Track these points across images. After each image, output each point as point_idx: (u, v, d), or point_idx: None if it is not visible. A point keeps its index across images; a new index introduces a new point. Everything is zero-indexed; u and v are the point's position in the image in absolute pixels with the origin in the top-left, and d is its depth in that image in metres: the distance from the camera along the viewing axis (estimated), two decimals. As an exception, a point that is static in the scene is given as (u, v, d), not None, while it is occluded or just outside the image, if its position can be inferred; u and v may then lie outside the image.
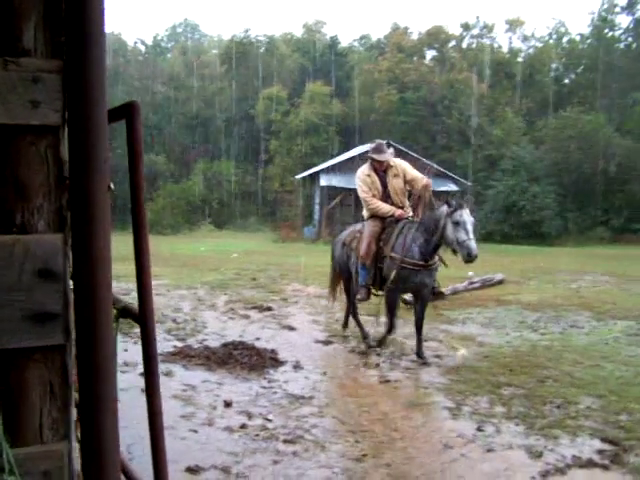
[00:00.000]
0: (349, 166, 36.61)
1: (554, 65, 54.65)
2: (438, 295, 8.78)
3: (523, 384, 7.01)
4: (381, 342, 8.59)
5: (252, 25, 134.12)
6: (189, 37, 78.82)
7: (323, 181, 36.48)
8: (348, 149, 44.40)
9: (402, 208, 8.61)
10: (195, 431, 5.48)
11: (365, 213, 8.87)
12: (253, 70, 54.91)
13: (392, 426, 5.76)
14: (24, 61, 1.34)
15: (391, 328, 8.47)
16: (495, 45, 56.77)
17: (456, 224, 7.70)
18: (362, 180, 8.72)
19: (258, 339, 8.95)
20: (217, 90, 55.25)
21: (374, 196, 8.61)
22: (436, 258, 8.26)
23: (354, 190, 32.33)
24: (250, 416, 5.90)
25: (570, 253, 28.24)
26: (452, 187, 36.04)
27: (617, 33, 53.18)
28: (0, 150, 1.36)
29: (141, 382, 6.38)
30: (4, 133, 1.35)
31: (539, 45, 55.47)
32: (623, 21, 53.57)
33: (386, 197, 8.64)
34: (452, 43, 56.99)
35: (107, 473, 1.37)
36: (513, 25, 56.43)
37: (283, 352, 8.29)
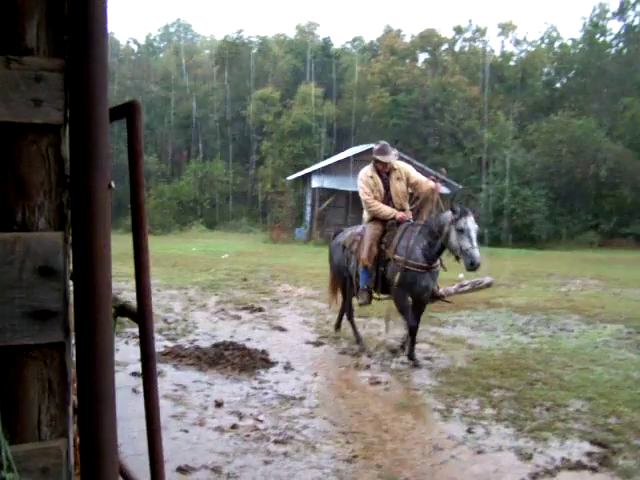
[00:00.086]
0: (341, 168, 36.68)
1: (546, 69, 54.86)
2: (439, 298, 8.72)
3: (513, 387, 7.04)
4: (405, 345, 8.41)
5: (245, 26, 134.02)
6: (182, 37, 78.72)
7: (315, 182, 36.48)
8: (340, 151, 44.41)
9: (403, 211, 8.54)
10: (186, 431, 5.49)
11: (365, 215, 8.78)
12: (246, 71, 54.83)
13: (383, 427, 5.78)
14: (27, 60, 1.35)
15: (411, 328, 8.26)
16: (487, 49, 56.92)
17: (460, 231, 7.66)
18: (364, 181, 8.62)
19: (249, 340, 8.95)
20: (209, 90, 55.18)
21: (376, 198, 8.51)
22: (438, 261, 8.22)
23: (345, 192, 32.17)
24: (241, 416, 5.91)
25: (560, 257, 28.34)
26: (443, 190, 36.06)
27: (608, 38, 53.42)
28: (1, 148, 1.36)
29: (132, 382, 6.41)
30: (6, 131, 1.36)
31: (531, 49, 55.64)
32: (614, 26, 53.83)
33: (388, 199, 8.55)
34: (445, 46, 57.11)
35: (105, 471, 1.38)
36: (505, 29, 56.59)
37: (274, 353, 8.30)
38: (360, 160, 37.30)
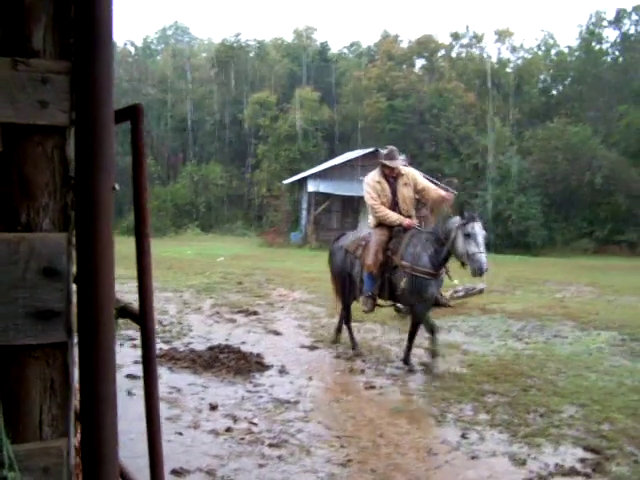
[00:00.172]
0: (337, 172, 36.76)
1: (542, 76, 55.10)
2: (443, 305, 8.70)
3: (507, 392, 7.05)
4: (434, 350, 8.15)
5: (242, 29, 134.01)
6: (179, 40, 78.70)
7: (310, 187, 36.52)
8: (336, 155, 44.51)
9: (409, 217, 8.41)
10: (180, 434, 5.49)
11: (371, 220, 8.65)
12: (243, 74, 54.91)
13: (377, 432, 5.79)
14: (34, 62, 1.36)
15: (433, 329, 8.13)
16: (484, 55, 57.07)
17: (467, 236, 7.60)
18: (371, 186, 8.48)
19: (244, 343, 8.95)
20: (206, 93, 55.23)
21: (382, 203, 8.36)
22: (444, 269, 8.13)
23: (341, 196, 32.21)
24: (235, 419, 5.91)
25: (555, 263, 28.41)
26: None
27: (604, 46, 53.71)
28: (7, 149, 1.38)
29: (127, 384, 6.41)
30: (12, 132, 1.37)
31: (528, 56, 55.81)
32: (610, 35, 54.11)
33: (394, 205, 8.40)
34: (442, 52, 57.28)
35: (106, 471, 1.38)
36: (502, 36, 56.72)
37: (269, 356, 8.30)
38: (356, 165, 37.43)
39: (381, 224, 8.44)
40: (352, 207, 36.77)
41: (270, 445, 5.32)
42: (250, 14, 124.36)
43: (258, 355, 8.25)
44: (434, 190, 8.40)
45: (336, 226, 36.91)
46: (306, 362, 8.31)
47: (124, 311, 1.70)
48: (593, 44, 53.09)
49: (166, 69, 59.99)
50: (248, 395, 6.69)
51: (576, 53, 54.75)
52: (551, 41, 57.22)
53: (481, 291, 15.25)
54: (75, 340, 1.46)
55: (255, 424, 5.82)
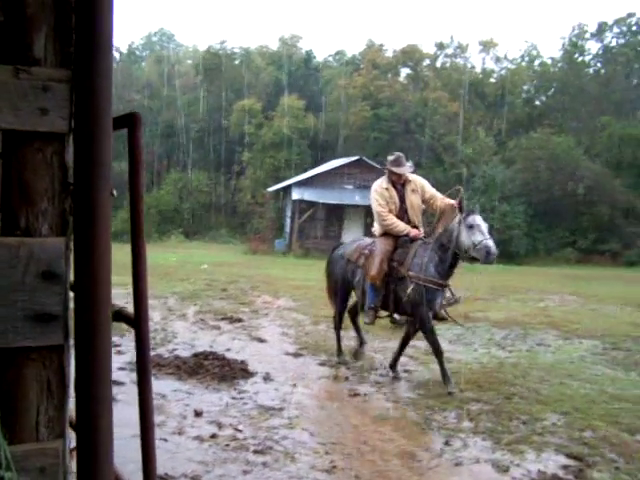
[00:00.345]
0: (321, 180, 36.84)
1: (526, 87, 55.56)
2: (443, 319, 8.32)
3: (490, 400, 7.10)
4: (446, 375, 7.69)
5: (228, 36, 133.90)
6: (164, 46, 78.60)
7: (295, 194, 36.55)
8: (321, 163, 44.61)
9: (416, 227, 8.22)
10: (165, 440, 5.48)
11: (376, 229, 8.42)
12: (228, 81, 54.94)
13: (362, 439, 5.81)
14: (35, 70, 1.39)
15: (440, 352, 7.83)
16: (468, 65, 57.50)
17: (470, 227, 7.47)
18: (379, 193, 8.21)
19: (228, 350, 8.96)
20: (191, 100, 55.19)
21: (390, 211, 8.13)
22: (449, 280, 7.91)
23: (326, 204, 32.16)
24: (220, 426, 5.91)
25: (538, 272, 28.58)
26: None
27: (587, 58, 54.32)
28: (8, 155, 1.40)
29: (114, 390, 6.38)
30: (13, 138, 1.40)
31: (511, 67, 56.28)
32: (592, 47, 54.87)
33: (403, 213, 8.19)
34: (426, 62, 57.63)
35: (101, 473, 1.40)
36: (486, 46, 57.19)
37: (253, 363, 8.30)
38: (341, 173, 37.56)
39: (387, 233, 8.21)
40: (336, 215, 36.85)
41: (255, 451, 5.33)
42: (236, 21, 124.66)
43: (243, 362, 8.26)
44: (441, 199, 8.16)
45: (320, 234, 37.00)
46: (290, 369, 8.32)
47: (119, 315, 1.72)
48: (576, 56, 53.68)
49: (151, 75, 59.96)
50: (233, 402, 6.70)
51: (559, 64, 55.30)
52: (534, 52, 57.78)
53: (457, 301, 15.26)
54: (71, 343, 1.48)
55: (240, 431, 5.82)
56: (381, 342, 9.85)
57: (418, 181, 8.33)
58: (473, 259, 7.66)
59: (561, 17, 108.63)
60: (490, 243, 7.38)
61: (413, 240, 8.05)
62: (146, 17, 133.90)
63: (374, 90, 50.47)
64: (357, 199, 35.78)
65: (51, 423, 1.47)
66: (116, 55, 65.05)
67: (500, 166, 42.17)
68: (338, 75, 56.84)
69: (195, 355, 8.41)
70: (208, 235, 44.90)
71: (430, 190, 8.31)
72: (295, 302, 14.18)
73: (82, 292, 1.39)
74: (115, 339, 8.45)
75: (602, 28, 52.49)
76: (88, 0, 1.34)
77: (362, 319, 8.76)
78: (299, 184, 37.65)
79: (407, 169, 8.24)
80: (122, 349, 8.34)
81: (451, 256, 7.70)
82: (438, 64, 58.12)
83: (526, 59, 57.46)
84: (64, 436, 1.49)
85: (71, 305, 1.48)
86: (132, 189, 1.63)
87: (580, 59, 53.93)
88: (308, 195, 35.82)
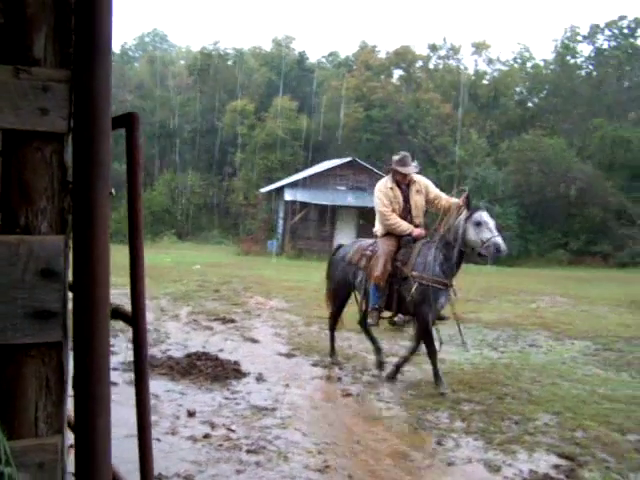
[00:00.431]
0: (314, 181, 36.85)
1: (518, 89, 55.72)
2: (443, 319, 8.31)
3: (482, 400, 7.13)
4: (437, 376, 7.72)
5: (221, 37, 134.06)
6: (157, 47, 78.55)
7: (287, 195, 36.55)
8: (313, 164, 44.63)
9: (418, 226, 8.13)
10: (158, 440, 5.48)
11: (378, 229, 8.31)
12: (221, 82, 54.93)
13: (354, 438, 5.84)
14: (35, 70, 1.41)
15: (434, 354, 7.80)
16: (461, 67, 57.67)
17: (477, 224, 7.41)
18: (384, 193, 8.15)
19: (221, 350, 8.96)
20: (184, 101, 55.12)
21: (394, 211, 8.06)
22: (454, 280, 7.85)
23: (318, 205, 32.08)
24: (213, 426, 5.92)
25: (530, 274, 28.65)
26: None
27: (579, 60, 54.54)
28: (8, 154, 1.42)
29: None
30: (13, 138, 1.41)
31: (504, 69, 56.48)
32: (585, 49, 54.97)
33: (406, 213, 8.12)
34: (419, 63, 57.78)
35: (99, 472, 1.42)
36: (479, 48, 57.37)
37: (246, 364, 8.31)
38: (334, 174, 37.58)
39: (389, 233, 8.13)
40: (329, 216, 36.86)
41: (248, 451, 5.34)
42: (229, 22, 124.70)
43: (235, 362, 8.26)
44: (446, 199, 8.10)
45: (313, 235, 37.01)
46: (283, 370, 8.33)
47: (116, 312, 1.74)
48: (568, 58, 53.91)
49: (144, 76, 59.87)
50: (226, 402, 6.71)
51: (551, 66, 55.51)
52: (527, 54, 57.98)
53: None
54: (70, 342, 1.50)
55: (233, 430, 5.83)
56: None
57: (423, 182, 8.30)
58: (480, 256, 7.64)
59: (553, 19, 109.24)
60: (499, 240, 7.34)
61: (416, 240, 7.99)
62: (139, 17, 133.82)
63: (367, 91, 50.58)
64: (350, 200, 35.83)
65: (50, 419, 1.48)
66: (109, 55, 64.96)
67: (492, 168, 42.28)
68: (331, 76, 56.99)
69: (188, 355, 8.41)
70: (200, 236, 44.85)
71: (434, 190, 8.27)
72: (288, 303, 14.19)
73: (81, 292, 1.41)
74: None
75: (594, 30, 52.73)
76: (88, 1, 1.35)
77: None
78: (292, 185, 37.67)
79: (412, 169, 8.20)
80: (115, 349, 8.32)
81: (457, 254, 7.66)
82: (431, 66, 58.33)
83: (518, 61, 57.65)
84: (62, 432, 1.50)
85: (70, 306, 1.50)
86: (130, 189, 1.65)
87: (572, 61, 54.18)
88: (301, 196, 35.82)
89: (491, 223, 7.47)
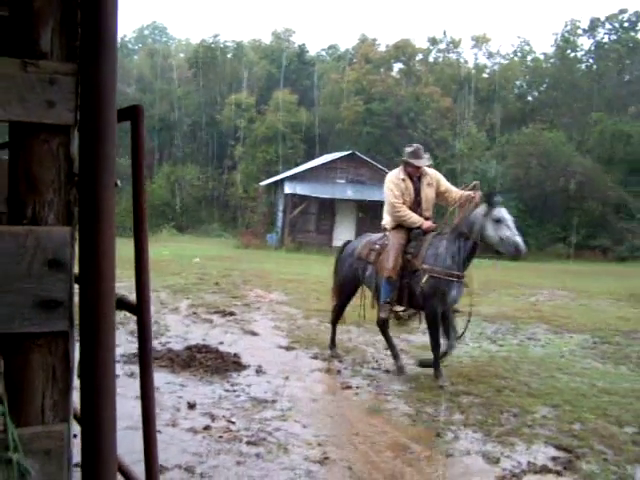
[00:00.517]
0: (314, 175, 36.85)
1: (518, 82, 55.74)
2: (456, 311, 8.22)
3: (481, 393, 7.16)
4: (437, 369, 7.76)
5: (221, 30, 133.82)
6: (157, 40, 78.44)
7: (287, 189, 36.55)
8: (313, 157, 44.64)
9: (428, 219, 8.08)
10: (159, 431, 5.49)
11: (387, 222, 8.23)
12: (220, 75, 54.89)
13: (354, 430, 5.87)
14: (42, 63, 1.43)
15: (438, 346, 7.78)
16: (461, 60, 57.62)
17: (497, 221, 7.38)
18: (395, 184, 8.05)
19: (221, 343, 8.98)
20: (183, 94, 55.07)
21: (404, 203, 7.97)
22: (467, 271, 7.78)
23: (318, 199, 32.01)
24: (214, 418, 5.95)
25: (529, 268, 28.67)
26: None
27: (579, 54, 54.51)
28: (15, 146, 1.44)
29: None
30: (20, 130, 1.43)
31: (504, 62, 56.51)
32: (585, 43, 54.96)
33: (417, 206, 8.06)
34: (419, 57, 57.72)
35: (105, 461, 1.44)
36: (479, 41, 57.36)
37: (246, 356, 8.33)
38: (333, 167, 37.58)
39: (399, 226, 8.06)
40: (329, 209, 36.87)
41: (248, 443, 5.37)
42: (228, 15, 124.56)
43: (235, 355, 8.29)
44: (456, 192, 8.12)
45: (312, 228, 37.04)
46: (283, 362, 8.35)
47: (120, 302, 1.76)
48: (568, 52, 53.89)
49: (143, 69, 59.79)
50: (226, 394, 6.74)
51: (551, 60, 55.49)
52: (527, 48, 58.00)
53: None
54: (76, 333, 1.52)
55: (233, 422, 5.86)
56: (372, 336, 9.88)
57: (434, 175, 8.25)
58: (498, 253, 7.65)
59: (553, 13, 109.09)
60: (519, 239, 7.33)
61: (426, 232, 7.93)
62: (138, 10, 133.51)
63: (367, 85, 50.53)
64: (349, 193, 35.84)
65: (56, 407, 1.51)
66: (108, 48, 64.88)
67: (492, 161, 42.29)
68: (331, 69, 56.93)
69: (188, 348, 8.43)
70: (200, 229, 44.86)
71: (445, 184, 8.24)
72: (287, 296, 14.23)
73: (87, 284, 1.43)
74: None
75: (594, 24, 52.73)
76: (93, -4, 1.38)
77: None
78: (291, 178, 37.66)
79: (425, 162, 8.18)
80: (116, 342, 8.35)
81: (470, 246, 7.61)
82: (431, 59, 58.29)
83: (519, 54, 57.66)
84: (68, 420, 1.53)
85: (76, 299, 1.52)
86: (135, 182, 1.67)
87: (572, 55, 54.16)
88: (300, 189, 35.83)
89: (510, 220, 7.44)
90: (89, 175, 1.41)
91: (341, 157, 37.79)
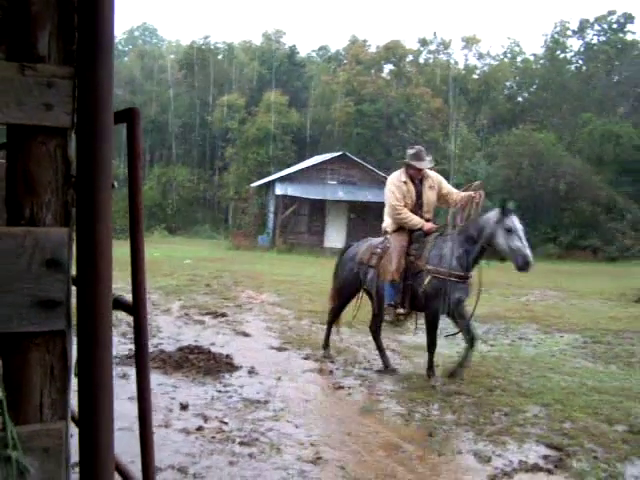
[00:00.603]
0: (305, 176, 36.86)
1: (508, 83, 55.97)
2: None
3: (473, 393, 7.20)
4: (431, 368, 7.90)
5: (211, 31, 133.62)
6: (147, 41, 78.30)
7: (278, 190, 36.55)
8: (304, 159, 44.65)
9: (429, 221, 8.08)
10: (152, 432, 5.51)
11: (388, 224, 8.20)
12: (211, 77, 54.83)
13: (346, 430, 5.89)
14: (40, 67, 1.45)
15: (433, 347, 7.95)
16: (451, 61, 57.78)
17: (508, 231, 7.33)
18: (396, 187, 8.01)
19: (213, 344, 8.99)
20: (174, 95, 55.00)
21: (406, 205, 7.96)
22: (473, 272, 7.80)
23: (309, 200, 32.01)
24: (206, 419, 5.96)
25: (519, 268, 28.71)
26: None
27: (568, 55, 54.76)
28: (13, 148, 1.46)
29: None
30: (18, 133, 1.45)
31: (494, 63, 56.70)
32: (574, 44, 55.23)
33: (418, 208, 8.05)
34: (409, 58, 57.84)
35: (102, 459, 1.46)
36: (469, 42, 57.53)
37: (238, 357, 8.34)
38: (324, 168, 37.60)
39: (400, 229, 8.04)
40: (320, 210, 36.88)
41: (241, 443, 5.38)
42: (219, 16, 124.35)
43: (227, 356, 8.30)
44: (457, 193, 8.09)
45: (304, 229, 37.04)
46: (275, 363, 8.37)
47: (117, 302, 1.78)
48: (557, 53, 54.17)
49: (134, 70, 59.67)
50: (218, 395, 6.75)
51: (541, 61, 55.76)
52: (517, 49, 58.26)
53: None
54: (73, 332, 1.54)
55: (226, 423, 5.87)
56: (364, 337, 9.90)
57: (436, 177, 8.23)
58: (502, 259, 7.69)
59: (543, 14, 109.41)
60: (528, 252, 7.30)
61: (427, 234, 7.92)
62: (128, 11, 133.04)
63: (357, 86, 50.59)
64: (340, 194, 35.87)
65: (54, 405, 1.52)
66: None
67: (482, 162, 42.41)
68: (322, 71, 56.95)
69: (180, 349, 8.44)
70: (191, 231, 44.84)
71: (447, 186, 8.24)
72: (279, 297, 14.25)
73: (84, 286, 1.45)
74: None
75: (583, 25, 53.02)
76: (90, 0, 1.39)
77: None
78: (282, 179, 37.66)
79: (427, 164, 8.14)
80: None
81: (478, 249, 7.61)
82: (421, 60, 58.44)
83: (508, 55, 57.91)
84: (66, 418, 1.55)
85: (73, 299, 1.54)
86: (131, 184, 1.69)
87: (562, 56, 54.43)
88: (291, 190, 35.83)
89: (521, 231, 7.40)
90: (86, 176, 1.43)
91: (332, 158, 37.81)
